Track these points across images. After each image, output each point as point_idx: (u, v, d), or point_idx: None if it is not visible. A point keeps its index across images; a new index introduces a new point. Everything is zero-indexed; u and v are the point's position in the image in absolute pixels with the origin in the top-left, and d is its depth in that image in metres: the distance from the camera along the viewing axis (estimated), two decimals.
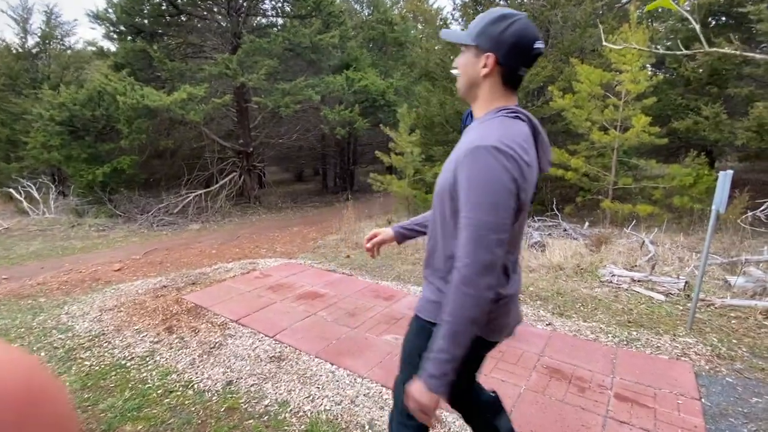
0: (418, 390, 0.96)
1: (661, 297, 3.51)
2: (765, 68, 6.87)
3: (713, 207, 2.74)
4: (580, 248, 4.89)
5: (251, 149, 11.22)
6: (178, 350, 2.65)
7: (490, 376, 2.28)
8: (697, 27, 0.89)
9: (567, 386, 2.20)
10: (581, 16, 7.70)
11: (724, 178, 2.64)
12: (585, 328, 2.94)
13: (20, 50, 12.97)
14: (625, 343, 2.72)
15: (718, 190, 2.68)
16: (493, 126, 0.98)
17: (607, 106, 6.36)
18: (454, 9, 15.17)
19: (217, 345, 2.70)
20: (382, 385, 2.21)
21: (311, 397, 2.13)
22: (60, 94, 8.61)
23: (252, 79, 8.97)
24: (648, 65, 6.36)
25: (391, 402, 2.07)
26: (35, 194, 10.45)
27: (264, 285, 3.77)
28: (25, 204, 10.10)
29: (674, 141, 8.27)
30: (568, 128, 7.30)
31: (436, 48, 10.64)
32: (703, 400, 2.10)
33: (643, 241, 4.90)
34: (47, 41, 13.24)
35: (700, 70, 7.16)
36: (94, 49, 11.49)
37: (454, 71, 1.13)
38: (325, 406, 2.06)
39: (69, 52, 13.99)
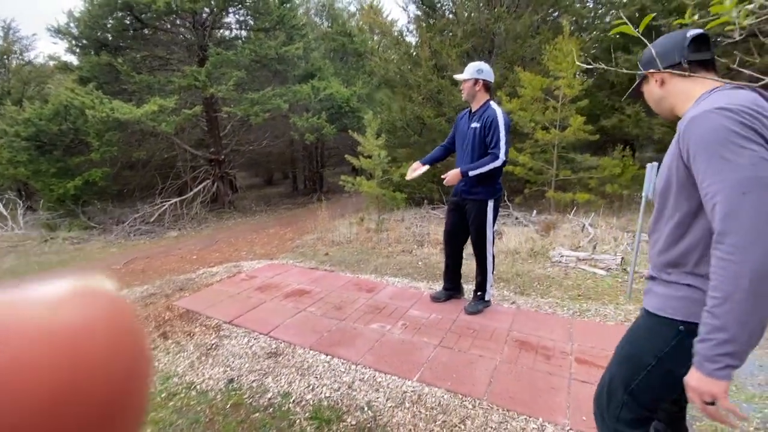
0: (699, 380, 0.85)
1: (603, 272, 3.77)
2: None
3: (643, 194, 2.98)
4: (531, 234, 5.14)
5: (223, 157, 10.83)
6: (176, 354, 2.56)
7: (469, 352, 2.38)
8: (653, 52, 0.99)
9: (535, 356, 2.33)
10: (521, 28, 8.02)
11: (651, 170, 2.88)
12: (544, 303, 3.11)
13: None
14: (578, 314, 2.91)
15: (647, 180, 2.91)
16: (706, 101, 0.91)
17: (547, 108, 6.69)
18: (408, 22, 15.29)
19: (213, 346, 2.63)
20: (375, 370, 2.24)
21: (311, 387, 2.13)
22: (24, 109, 7.91)
23: (221, 90, 8.64)
24: (579, 72, 6.74)
25: (384, 383, 2.12)
26: (2, 210, 9.57)
27: (251, 286, 3.69)
28: None
29: (602, 136, 8.82)
30: (514, 128, 7.60)
31: (393, 58, 10.72)
32: None
33: (584, 225, 5.22)
34: (6, 56, 12.10)
35: (624, 70, 7.65)
36: (56, 63, 10.62)
37: None
38: (325, 393, 2.07)
39: (29, 67, 12.85)
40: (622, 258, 3.94)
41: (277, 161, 16.15)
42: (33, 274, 5.68)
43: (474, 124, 2.65)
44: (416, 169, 2.84)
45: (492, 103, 2.66)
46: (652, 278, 1.08)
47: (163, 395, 2.15)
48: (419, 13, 9.74)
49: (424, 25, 9.24)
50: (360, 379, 2.17)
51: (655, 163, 2.94)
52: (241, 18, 10.95)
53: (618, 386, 1.12)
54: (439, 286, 3.57)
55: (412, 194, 8.33)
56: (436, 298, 3.15)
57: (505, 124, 2.57)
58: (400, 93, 9.31)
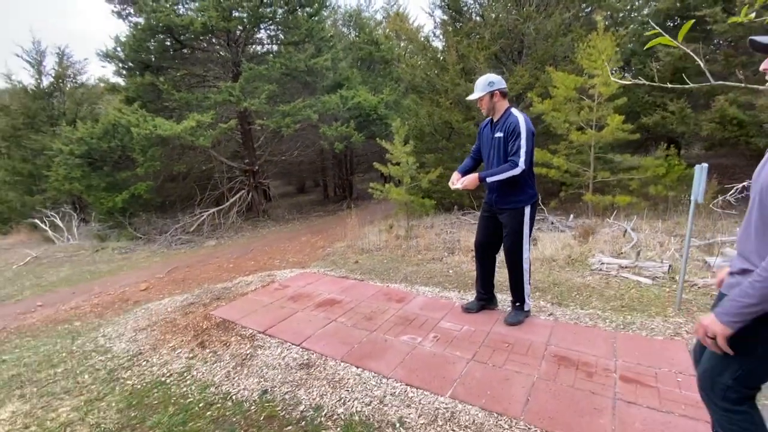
0: (713, 322, 1.16)
1: (648, 281, 3.53)
2: (722, 65, 6.96)
3: (692, 197, 2.77)
4: (568, 240, 4.92)
5: (257, 167, 11.21)
6: (213, 364, 2.63)
7: (504, 367, 2.29)
8: (702, 63, 0.91)
9: (575, 372, 2.21)
10: (552, 26, 7.78)
11: (701, 172, 2.67)
12: (583, 315, 2.95)
13: (36, 90, 12.88)
14: (621, 327, 2.73)
15: (696, 182, 2.71)
16: None
17: (582, 108, 6.42)
18: (435, 27, 15.26)
19: (248, 356, 2.68)
20: (406, 384, 2.20)
21: (342, 400, 2.12)
22: (77, 129, 8.57)
23: (254, 104, 8.96)
24: (616, 69, 6.44)
25: (417, 399, 2.08)
26: (59, 223, 10.36)
27: (284, 296, 3.75)
28: (50, 233, 10.02)
29: (643, 135, 8.35)
30: (548, 130, 7.35)
31: (419, 64, 10.71)
32: None
33: (626, 230, 4.94)
34: (61, 80, 13.17)
35: (658, 66, 7.19)
36: (105, 85, 11.44)
37: None
38: (356, 407, 2.06)
39: (81, 89, 13.90)
40: (670, 265, 3.68)
41: (308, 170, 16.51)
42: (85, 283, 6.08)
43: (498, 134, 2.63)
44: (456, 181, 2.80)
45: (513, 110, 2.62)
46: (743, 271, 1.16)
47: (200, 405, 2.21)
48: (445, 17, 9.69)
49: (450, 29, 9.18)
50: (391, 394, 2.14)
51: (706, 165, 2.73)
52: (272, 33, 11.35)
53: (721, 373, 1.23)
54: (470, 295, 3.48)
55: (441, 200, 8.24)
56: (468, 309, 3.07)
57: (527, 130, 2.52)
58: (427, 98, 9.27)
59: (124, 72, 10.22)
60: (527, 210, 2.65)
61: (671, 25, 8.84)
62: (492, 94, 2.61)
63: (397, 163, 6.70)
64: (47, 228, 10.15)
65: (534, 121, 8.17)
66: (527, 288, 2.80)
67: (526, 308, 2.84)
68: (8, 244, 10.83)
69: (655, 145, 7.25)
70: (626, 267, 3.82)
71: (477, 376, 2.23)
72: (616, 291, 3.41)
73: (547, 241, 4.90)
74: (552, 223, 6.19)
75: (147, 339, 3.14)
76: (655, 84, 0.90)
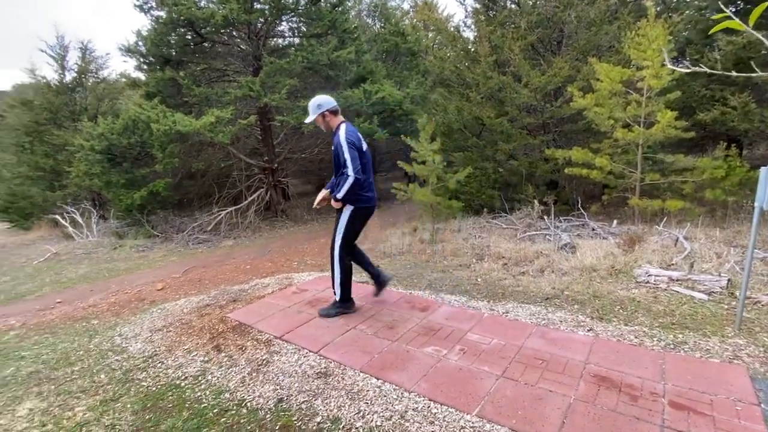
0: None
1: (704, 296, 3.36)
2: None
3: (756, 204, 2.62)
4: (611, 248, 4.75)
5: (276, 165, 11.43)
6: (228, 368, 2.70)
7: (537, 386, 2.23)
8: None
9: (618, 395, 2.13)
10: (596, 14, 7.56)
11: (767, 175, 2.52)
12: (627, 332, 2.84)
13: (59, 85, 13.63)
14: (671, 346, 2.61)
15: (761, 187, 2.56)
16: None
17: (629, 102, 6.20)
18: (466, 16, 15.14)
19: (264, 362, 2.73)
20: (429, 399, 2.19)
21: (361, 413, 2.13)
22: (98, 124, 9.00)
23: (275, 99, 9.15)
24: (669, 60, 6.16)
25: (441, 416, 2.06)
26: (79, 219, 10.92)
27: (302, 300, 3.81)
28: (70, 229, 10.57)
29: (699, 132, 7.97)
30: (589, 127, 7.15)
31: (449, 56, 10.64)
32: (762, 405, 2.00)
33: (677, 238, 4.72)
34: (83, 75, 13.87)
35: (718, 56, 6.81)
36: (126, 80, 11.98)
37: None
38: (376, 422, 2.06)
39: (103, 84, 14.61)
40: (729, 279, 3.49)
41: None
42: (103, 281, 6.37)
43: (333, 148, 3.09)
44: (323, 198, 3.36)
45: (341, 125, 3.08)
46: None
47: (215, 411, 2.27)
48: (478, 5, 9.60)
49: (483, 18, 9.08)
50: (413, 409, 2.13)
51: None
52: (294, 25, 11.56)
53: None
54: (501, 306, 3.43)
55: (469, 202, 8.15)
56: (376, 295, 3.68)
57: (347, 142, 2.97)
58: (456, 93, 9.20)
59: (145, 67, 10.68)
60: (348, 209, 3.16)
61: (733, 10, 8.40)
62: (323, 114, 3.08)
63: (423, 162, 6.68)
64: (67, 224, 10.71)
65: (574, 118, 7.96)
66: (339, 278, 3.29)
67: (337, 297, 3.33)
68: (30, 240, 11.50)
69: (713, 145, 6.88)
70: (677, 280, 3.65)
71: (507, 394, 2.18)
72: (666, 306, 3.26)
73: (587, 249, 4.75)
74: (593, 229, 6.00)
75: (163, 340, 3.25)
76: (718, 72, 0.84)
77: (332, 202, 3.14)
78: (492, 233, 6.27)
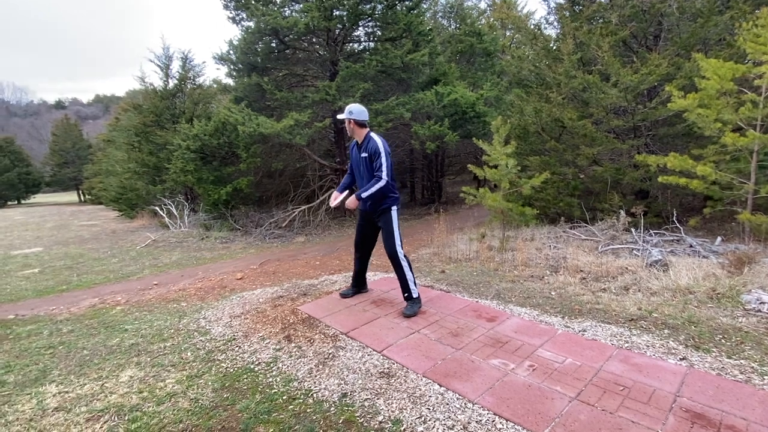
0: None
1: None
2: None
3: None
4: (713, 268, 4.21)
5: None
6: (297, 359, 2.85)
7: (617, 414, 2.05)
8: None
9: None
10: (703, 4, 6.74)
11: None
12: (731, 366, 2.50)
13: (163, 91, 15.43)
14: None
15: None
16: None
17: (742, 103, 5.43)
18: (548, 12, 14.40)
19: (330, 356, 2.85)
20: (494, 414, 2.12)
21: (423, 419, 2.12)
22: (193, 126, 10.05)
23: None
24: None
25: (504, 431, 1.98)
26: (174, 211, 12.27)
27: (367, 299, 3.90)
28: (166, 219, 11.92)
29: None
30: (689, 131, 6.40)
31: (527, 55, 10.19)
32: None
33: None
34: (183, 82, 15.54)
35: None
36: (218, 86, 13.21)
37: None
38: (438, 429, 2.04)
39: (199, 90, 16.25)
40: None
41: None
42: (192, 268, 7.09)
43: (363, 154, 3.42)
44: (334, 200, 3.68)
45: (372, 134, 3.44)
46: None
47: (284, 397, 2.41)
48: (562, 1, 9.07)
49: (567, 14, 8.56)
50: (477, 421, 2.08)
51: None
52: (369, 30, 11.88)
53: None
54: (577, 323, 3.21)
55: (545, 209, 7.73)
56: (344, 295, 3.98)
57: (385, 151, 3.35)
58: (535, 93, 8.78)
59: (234, 73, 11.70)
60: (394, 210, 3.50)
61: None
62: (349, 121, 3.42)
63: (495, 166, 6.47)
64: (164, 215, 12.09)
65: (671, 120, 7.18)
66: (410, 277, 3.49)
67: (414, 296, 3.50)
68: (134, 227, 13.19)
69: None
70: None
71: (581, 418, 2.04)
72: None
73: (682, 268, 4.25)
74: (691, 245, 5.36)
75: (240, 326, 3.54)
76: None
77: (350, 202, 3.41)
78: (569, 244, 5.88)
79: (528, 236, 6.64)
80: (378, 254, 7.33)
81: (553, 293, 4.02)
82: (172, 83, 15.68)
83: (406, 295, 3.54)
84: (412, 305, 3.50)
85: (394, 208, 3.52)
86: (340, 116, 3.54)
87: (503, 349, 2.79)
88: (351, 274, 4.14)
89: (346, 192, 3.71)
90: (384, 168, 3.31)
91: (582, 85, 7.45)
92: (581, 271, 4.61)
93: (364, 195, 3.34)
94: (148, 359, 3.06)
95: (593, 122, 7.59)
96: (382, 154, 3.33)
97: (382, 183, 3.31)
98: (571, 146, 7.90)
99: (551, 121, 8.11)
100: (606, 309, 3.52)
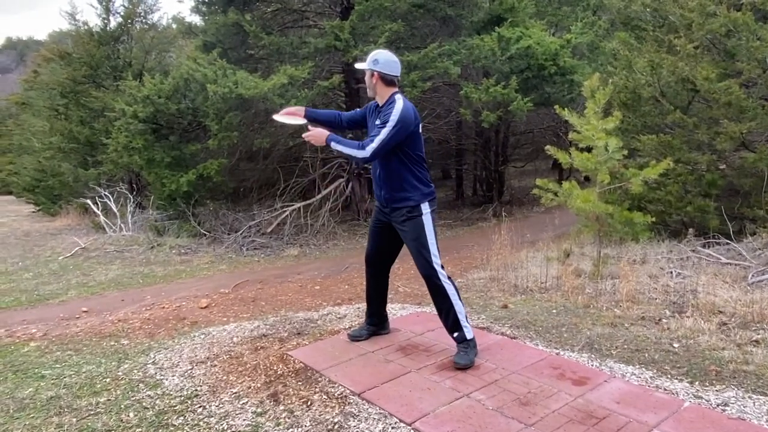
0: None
1: None
2: None
3: None
4: None
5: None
6: (288, 429, 2.87)
7: None
8: None
9: None
10: None
11: None
12: None
13: (102, 32, 15.97)
14: None
15: None
16: None
17: None
18: None
19: (336, 427, 2.85)
20: None
21: None
22: (144, 85, 10.34)
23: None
24: None
25: None
26: (112, 206, 12.67)
27: (392, 343, 3.91)
28: (101, 218, 12.32)
29: None
30: None
31: None
32: None
33: None
34: (130, 20, 16.07)
35: None
36: (178, 26, 13.59)
37: None
38: None
39: (151, 32, 16.76)
40: None
41: (436, 153, 16.89)
42: (136, 289, 7.30)
43: (378, 122, 3.37)
44: (291, 113, 3.67)
45: (398, 95, 3.35)
46: None
47: None
48: None
49: None
50: None
51: None
52: None
53: None
54: (712, 393, 3.13)
55: (663, 216, 7.58)
56: (355, 337, 3.93)
57: (398, 120, 3.24)
58: (651, 39, 8.68)
59: (203, 8, 12.01)
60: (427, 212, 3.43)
61: None
62: (373, 73, 3.35)
63: (588, 149, 6.41)
64: (99, 212, 12.51)
65: None
66: (460, 308, 3.44)
67: (468, 337, 3.41)
68: (56, 229, 13.69)
69: None
70: None
71: None
72: None
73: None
74: None
75: (206, 377, 3.60)
76: None
77: (314, 134, 3.41)
78: (702, 270, 5.77)
79: (637, 256, 6.56)
80: (406, 276, 7.35)
81: (675, 345, 3.94)
82: (114, 22, 16.27)
83: (455, 335, 3.45)
84: (467, 351, 3.41)
85: (427, 208, 3.43)
86: (359, 65, 3.56)
87: (599, 427, 2.74)
88: (365, 304, 4.17)
89: (321, 123, 3.72)
90: (378, 140, 3.24)
91: (725, 26, 7.29)
92: (720, 312, 4.52)
93: (334, 144, 3.33)
94: (74, 420, 3.15)
95: (742, 84, 7.41)
96: (390, 123, 3.24)
97: (360, 154, 3.31)
98: (706, 120, 7.75)
99: (676, 81, 7.98)
100: (759, 372, 3.42)
